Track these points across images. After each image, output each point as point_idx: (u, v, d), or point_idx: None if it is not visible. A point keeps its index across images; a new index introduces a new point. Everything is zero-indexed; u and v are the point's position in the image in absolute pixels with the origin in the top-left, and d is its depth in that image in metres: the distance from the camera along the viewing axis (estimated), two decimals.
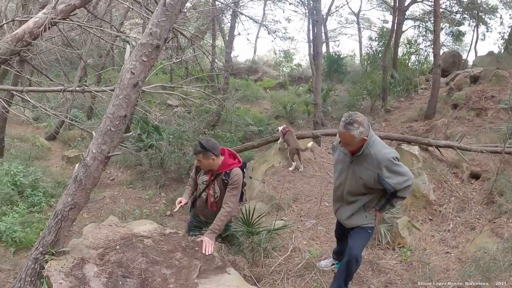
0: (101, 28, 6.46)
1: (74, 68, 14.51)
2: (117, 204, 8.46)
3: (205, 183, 4.37)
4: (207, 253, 3.74)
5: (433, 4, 15.47)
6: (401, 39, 20.34)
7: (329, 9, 26.76)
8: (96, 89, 4.64)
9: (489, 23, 22.72)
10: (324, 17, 23.39)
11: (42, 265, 3.32)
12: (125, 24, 14.44)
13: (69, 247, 3.53)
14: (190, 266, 3.47)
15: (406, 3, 18.80)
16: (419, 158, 7.59)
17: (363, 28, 30.81)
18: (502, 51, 19.20)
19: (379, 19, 40.63)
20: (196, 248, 3.77)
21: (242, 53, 57.04)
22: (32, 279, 3.36)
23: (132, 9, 6.66)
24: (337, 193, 4.07)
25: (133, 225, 4.22)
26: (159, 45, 3.38)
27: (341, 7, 32.42)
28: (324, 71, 17.41)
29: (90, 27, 5.72)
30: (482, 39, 25.51)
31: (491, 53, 17.85)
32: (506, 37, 20.23)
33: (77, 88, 4.47)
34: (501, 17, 22.18)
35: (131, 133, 4.58)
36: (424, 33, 23.20)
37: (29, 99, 4.47)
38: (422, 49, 22.88)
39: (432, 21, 17.27)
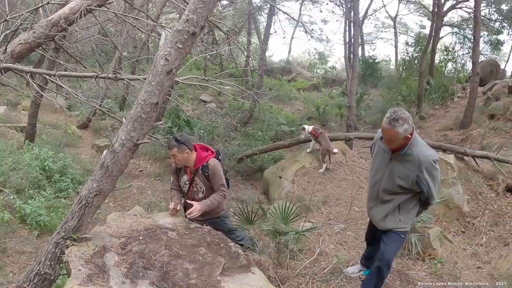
0: (138, 17, 6.44)
1: (109, 59, 14.66)
2: (143, 195, 8.45)
3: (187, 183, 4.42)
4: (188, 216, 4.11)
5: (473, 10, 14.93)
6: (438, 46, 19.77)
7: (366, 12, 26.31)
8: (128, 77, 4.57)
9: None
10: (361, 19, 23.02)
11: (63, 250, 3.25)
12: (161, 19, 14.47)
13: (91, 234, 3.46)
14: (213, 262, 3.35)
15: (445, 9, 18.25)
16: (454, 167, 7.30)
17: (399, 33, 30.17)
18: None
19: (416, 24, 39.68)
20: (222, 245, 3.65)
21: (276, 52, 56.98)
22: (52, 263, 3.31)
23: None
24: (373, 191, 3.90)
25: (158, 216, 4.16)
26: (196, 33, 3.27)
27: (379, 9, 31.91)
28: (359, 75, 17.14)
29: (126, 15, 5.68)
30: None
31: None
32: None
33: (110, 75, 4.40)
34: None
35: (161, 122, 4.48)
36: (461, 40, 22.54)
37: (62, 85, 4.43)
38: (459, 56, 22.24)
39: (471, 28, 16.73)
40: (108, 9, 5.38)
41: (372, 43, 29.68)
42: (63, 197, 6.99)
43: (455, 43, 22.70)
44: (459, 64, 22.21)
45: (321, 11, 42.17)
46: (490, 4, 20.28)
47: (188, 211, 4.13)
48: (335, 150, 8.44)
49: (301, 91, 23.40)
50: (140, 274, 3.04)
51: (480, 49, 17.59)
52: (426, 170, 3.43)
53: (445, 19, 19.65)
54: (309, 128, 8.91)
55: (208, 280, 3.11)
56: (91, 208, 3.32)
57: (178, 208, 4.26)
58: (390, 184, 3.66)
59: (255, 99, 9.05)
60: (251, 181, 10.82)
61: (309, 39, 31.22)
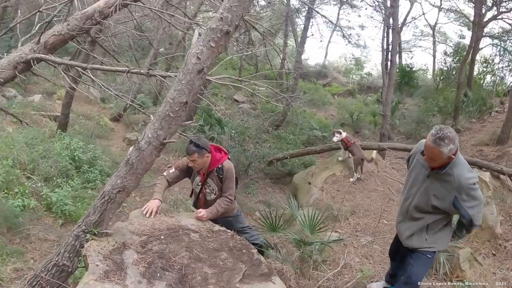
0: (174, 14, 6.43)
1: (145, 54, 14.82)
2: (170, 192, 8.41)
3: (200, 184, 4.34)
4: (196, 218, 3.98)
5: None
6: (477, 57, 19.12)
7: (405, 19, 25.72)
8: (160, 74, 4.52)
9: None
10: (400, 26, 22.59)
11: (82, 243, 3.23)
12: (199, 17, 14.53)
13: (113, 230, 3.42)
14: (234, 268, 3.25)
15: (486, 19, 17.63)
16: (489, 185, 6.99)
17: (438, 42, 29.43)
18: None
19: (455, 33, 38.70)
20: (244, 251, 3.55)
21: (312, 56, 56.94)
22: (70, 255, 3.29)
23: None
24: (404, 206, 3.69)
25: (182, 216, 4.09)
26: (229, 32, 3.19)
27: (418, 17, 31.18)
28: (395, 83, 16.76)
29: (162, 11, 5.66)
30: None
31: None
32: None
33: (141, 70, 4.38)
34: None
35: (192, 121, 4.43)
36: (501, 52, 21.74)
37: (93, 78, 4.44)
38: (498, 69, 21.45)
39: (511, 40, 16.07)
40: (144, 4, 5.36)
41: (410, 51, 29.18)
42: (90, 188, 7.06)
43: (495, 55, 21.94)
44: (498, 77, 21.52)
45: (359, 16, 41.43)
46: None
47: (196, 214, 4.05)
48: (374, 154, 8.29)
49: (335, 96, 23.20)
50: (158, 274, 2.98)
51: None
52: (465, 193, 3.22)
53: (486, 29, 19.03)
54: (343, 134, 8.65)
55: (226, 287, 3.01)
56: (113, 204, 3.28)
57: (153, 216, 3.87)
58: (423, 202, 3.46)
59: (288, 102, 8.95)
60: (280, 184, 10.72)
61: (346, 44, 30.97)
